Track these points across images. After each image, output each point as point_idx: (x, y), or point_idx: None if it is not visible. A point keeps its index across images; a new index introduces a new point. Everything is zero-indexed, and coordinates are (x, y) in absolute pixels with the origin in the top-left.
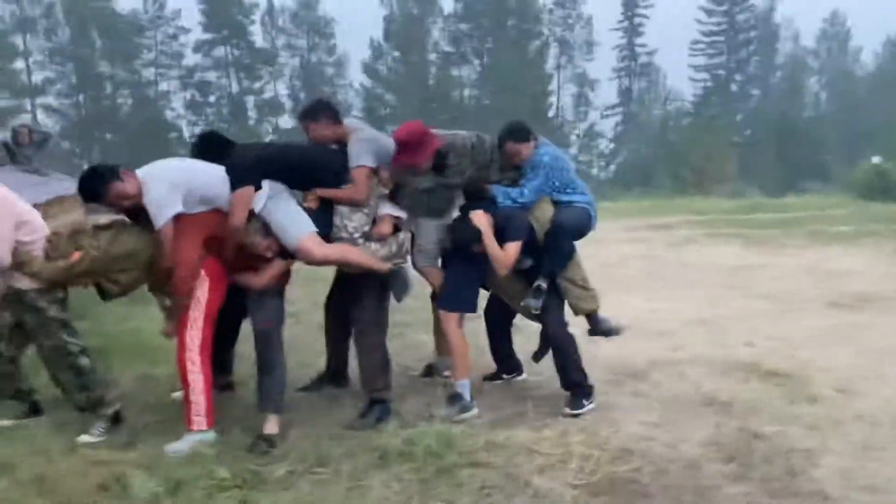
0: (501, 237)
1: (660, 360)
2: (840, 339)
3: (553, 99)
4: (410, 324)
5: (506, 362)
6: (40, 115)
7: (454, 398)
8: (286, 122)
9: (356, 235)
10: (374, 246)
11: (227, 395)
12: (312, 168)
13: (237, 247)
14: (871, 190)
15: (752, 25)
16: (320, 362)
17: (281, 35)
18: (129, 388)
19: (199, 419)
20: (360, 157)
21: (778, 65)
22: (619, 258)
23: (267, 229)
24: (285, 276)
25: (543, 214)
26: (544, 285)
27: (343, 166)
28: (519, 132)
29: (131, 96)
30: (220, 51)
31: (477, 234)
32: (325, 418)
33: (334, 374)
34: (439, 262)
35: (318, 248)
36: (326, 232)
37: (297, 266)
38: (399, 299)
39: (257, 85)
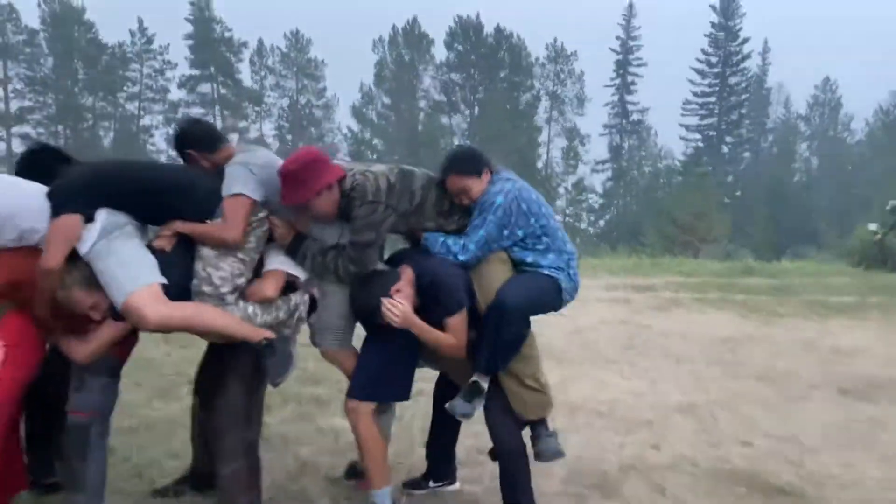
0: (434, 307)
1: (636, 463)
2: (858, 439)
3: (542, 151)
4: (326, 402)
5: (438, 465)
6: (16, 144)
7: None
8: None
9: (224, 290)
10: (250, 308)
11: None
12: (172, 193)
13: (52, 302)
14: (868, 258)
15: (744, 88)
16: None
17: (270, 75)
18: None
19: None
20: (237, 183)
21: (769, 129)
22: (596, 322)
23: (94, 280)
24: (125, 346)
25: (489, 280)
26: (483, 384)
27: (216, 194)
28: (464, 162)
29: (112, 129)
30: (206, 87)
31: (376, 298)
32: None
33: (199, 474)
34: (350, 340)
35: (155, 307)
36: (186, 283)
37: None
38: (275, 382)
39: (243, 124)
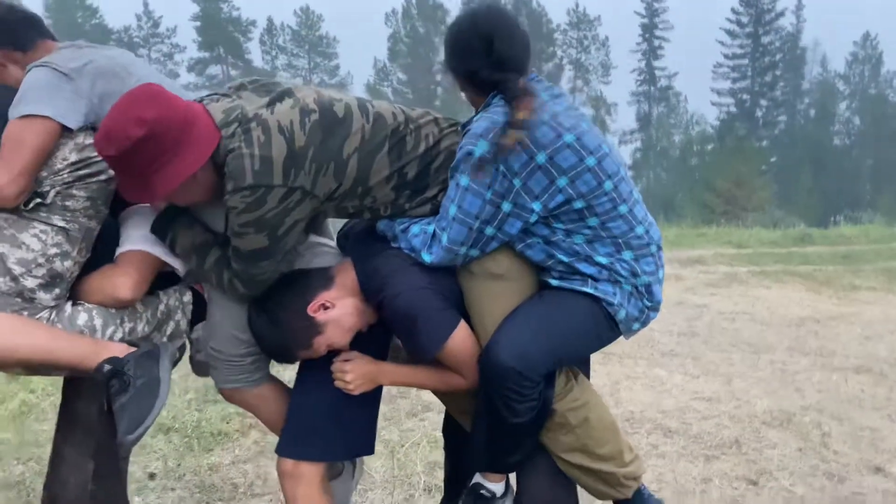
0: (399, 329)
1: None
2: None
3: None
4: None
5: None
6: None
7: None
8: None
9: (28, 282)
10: (83, 317)
11: None
12: None
13: None
14: None
15: (778, 48)
16: None
17: (281, 54)
18: None
19: None
20: (32, 96)
21: (805, 90)
22: None
23: None
24: None
25: (486, 305)
26: (490, 488)
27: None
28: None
29: None
30: (215, 69)
31: (301, 332)
32: None
33: None
34: (265, 370)
35: None
36: None
37: None
38: (127, 440)
39: None
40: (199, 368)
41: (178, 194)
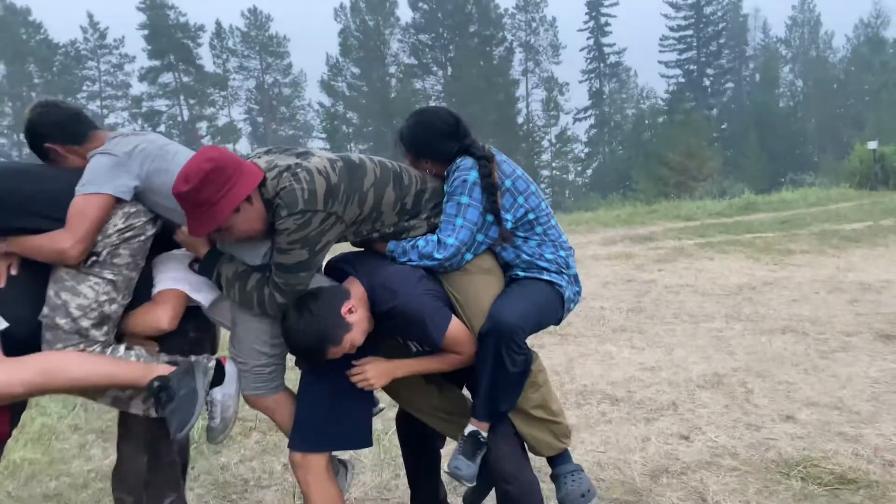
0: (402, 328)
1: (667, 463)
2: None
3: (522, 105)
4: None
5: (423, 497)
6: None
7: None
8: (245, 146)
9: (85, 322)
10: (122, 351)
11: None
12: (9, 202)
13: None
14: (869, 178)
15: (721, 17)
16: None
17: (232, 57)
18: None
19: None
20: (93, 177)
21: (749, 56)
22: (597, 285)
23: None
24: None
25: (475, 298)
26: (483, 434)
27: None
28: (406, 139)
29: None
30: (167, 77)
31: (330, 332)
32: None
33: None
34: (281, 380)
35: None
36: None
37: None
38: (176, 436)
39: (210, 111)
40: (213, 436)
41: (237, 221)
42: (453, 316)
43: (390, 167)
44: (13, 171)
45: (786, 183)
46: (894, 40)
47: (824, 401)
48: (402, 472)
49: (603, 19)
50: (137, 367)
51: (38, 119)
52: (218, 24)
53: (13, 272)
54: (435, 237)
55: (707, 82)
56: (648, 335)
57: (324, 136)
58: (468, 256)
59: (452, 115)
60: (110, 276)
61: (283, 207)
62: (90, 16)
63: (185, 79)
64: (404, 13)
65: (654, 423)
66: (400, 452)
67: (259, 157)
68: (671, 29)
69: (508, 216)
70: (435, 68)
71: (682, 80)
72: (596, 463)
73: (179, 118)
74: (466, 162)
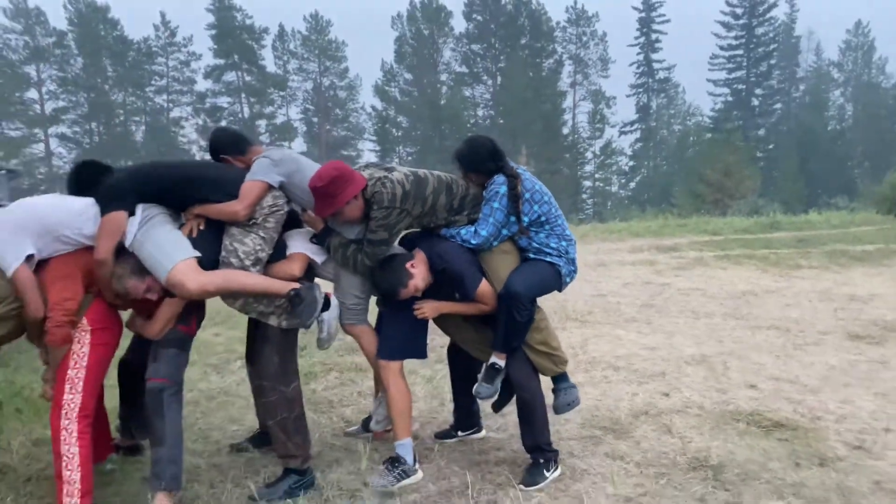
0: (457, 290)
1: (647, 409)
2: (859, 378)
3: (568, 116)
4: (366, 368)
5: (464, 417)
6: (54, 144)
7: (393, 462)
8: (299, 145)
9: (247, 262)
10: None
11: (134, 461)
12: (201, 186)
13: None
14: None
15: (773, 38)
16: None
17: (292, 59)
18: (19, 453)
19: (71, 501)
20: (256, 172)
21: (800, 78)
22: (619, 285)
23: (142, 266)
24: (192, 317)
25: (498, 270)
26: (500, 363)
27: (239, 184)
28: (463, 155)
29: (144, 123)
30: (231, 76)
31: (403, 280)
32: (238, 488)
33: (262, 433)
34: (366, 317)
35: (193, 277)
36: (216, 258)
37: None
38: (306, 324)
39: (269, 109)
40: (321, 344)
41: (347, 209)
42: (483, 278)
43: (444, 179)
44: (209, 165)
45: (818, 205)
46: None
47: (784, 377)
48: (446, 401)
49: (654, 35)
50: (280, 283)
51: (217, 139)
52: (281, 27)
53: (201, 227)
54: (473, 228)
55: (755, 102)
56: (654, 325)
57: (374, 138)
58: (495, 243)
59: (493, 142)
60: (263, 234)
61: (375, 204)
62: (162, 14)
63: (248, 78)
64: (458, 23)
65: (644, 385)
66: (442, 390)
67: (363, 170)
68: (721, 48)
69: (525, 218)
70: (485, 77)
71: (731, 98)
72: (594, 406)
73: (240, 115)
74: (500, 178)
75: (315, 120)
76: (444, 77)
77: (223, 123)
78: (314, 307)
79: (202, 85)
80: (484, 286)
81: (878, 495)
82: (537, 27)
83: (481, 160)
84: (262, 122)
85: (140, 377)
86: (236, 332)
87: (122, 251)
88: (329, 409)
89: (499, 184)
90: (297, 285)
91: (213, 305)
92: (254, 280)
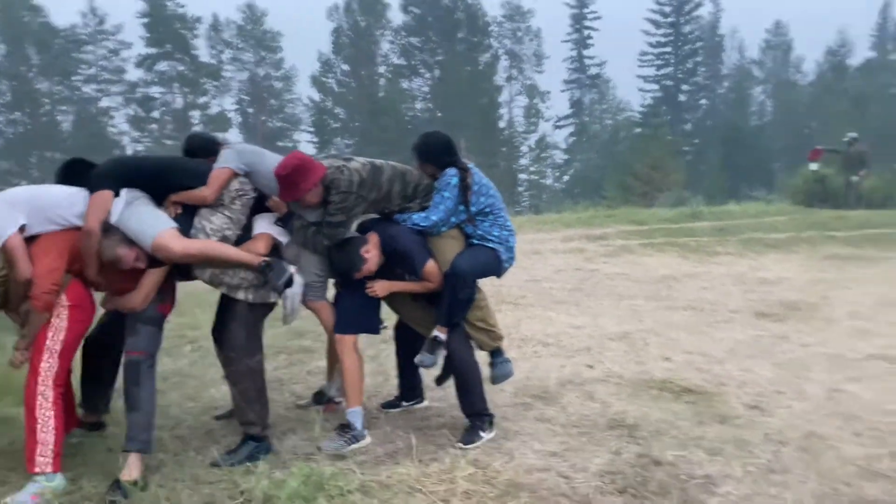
0: (404, 268)
1: (573, 379)
2: (760, 351)
3: (504, 111)
4: (312, 350)
5: (408, 389)
6: None
7: (344, 428)
8: (234, 136)
9: (213, 238)
10: None
11: (97, 435)
12: (176, 175)
13: (102, 265)
14: (812, 196)
15: (698, 37)
16: (208, 395)
17: (227, 49)
18: None
19: (45, 461)
20: (222, 160)
21: (724, 75)
22: (551, 271)
23: (129, 240)
24: (167, 300)
25: (445, 252)
26: (441, 336)
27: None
28: (419, 149)
29: (72, 113)
30: (163, 65)
31: (357, 262)
32: (200, 456)
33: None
34: (325, 294)
35: (177, 242)
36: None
37: (203, 287)
38: (278, 289)
39: (203, 100)
40: (286, 319)
41: (309, 195)
42: (430, 257)
43: (399, 169)
44: (184, 158)
45: (741, 198)
46: (855, 69)
47: (696, 350)
48: (391, 377)
49: (586, 32)
50: (252, 255)
51: (191, 144)
52: (215, 16)
53: (179, 212)
54: (424, 214)
55: (683, 98)
56: (582, 307)
57: (312, 129)
58: (444, 228)
59: (448, 138)
60: (229, 215)
61: (333, 189)
62: (90, 1)
63: (181, 68)
64: (396, 16)
65: (570, 359)
66: (386, 367)
67: (324, 160)
68: (651, 45)
69: (473, 208)
70: (423, 70)
71: (659, 94)
72: (525, 378)
73: (173, 105)
74: (452, 171)
75: (251, 111)
76: (381, 69)
77: (156, 114)
78: (283, 272)
79: (133, 74)
80: (430, 265)
81: (766, 444)
82: (474, 22)
83: (437, 153)
84: (195, 113)
85: (105, 356)
86: (185, 318)
87: (107, 228)
88: (280, 386)
89: (451, 175)
90: (267, 258)
91: None
92: (229, 250)
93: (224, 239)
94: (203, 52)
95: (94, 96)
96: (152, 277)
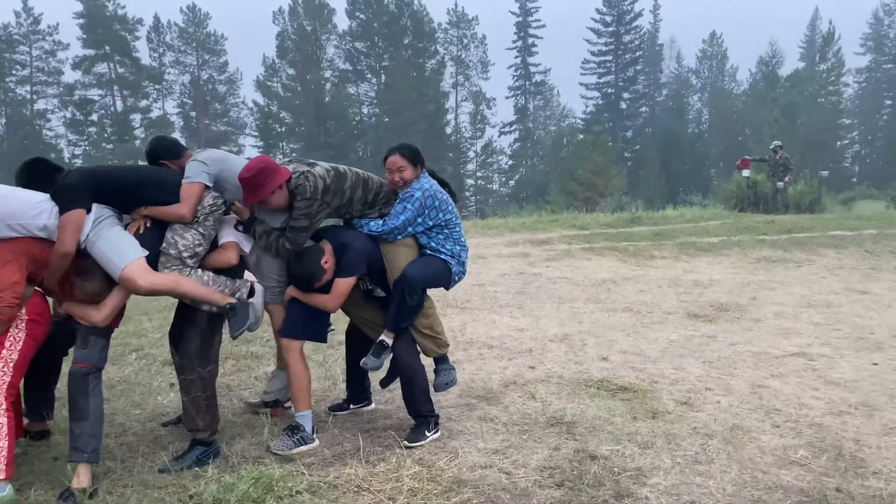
0: (337, 267)
1: (515, 380)
2: (692, 350)
3: (451, 116)
4: (260, 356)
5: (356, 392)
6: None
7: (293, 430)
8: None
9: (185, 255)
10: (206, 276)
11: (41, 444)
12: (149, 189)
13: (64, 278)
14: (744, 202)
15: (638, 45)
16: (155, 402)
17: (168, 52)
18: None
19: None
20: (192, 174)
21: (663, 83)
22: (495, 275)
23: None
24: (117, 317)
25: (398, 259)
26: (388, 341)
27: (178, 185)
28: (412, 151)
29: (4, 115)
30: (102, 67)
31: (317, 273)
32: (148, 462)
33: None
34: (281, 297)
35: (145, 276)
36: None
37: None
38: (234, 335)
39: (144, 103)
40: (250, 327)
41: (272, 198)
42: (354, 279)
43: (361, 175)
44: (148, 169)
45: (678, 203)
46: (785, 79)
47: (631, 350)
48: (338, 381)
49: (530, 40)
50: (220, 296)
51: (156, 146)
52: (156, 17)
53: (147, 225)
54: (381, 220)
55: (623, 105)
56: (525, 310)
57: (256, 133)
58: (399, 237)
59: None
60: (202, 231)
61: (298, 195)
62: (24, 0)
63: (121, 70)
64: (341, 21)
65: (513, 360)
66: (333, 372)
67: (288, 164)
68: (592, 53)
69: (430, 222)
70: (369, 75)
71: (601, 101)
72: (469, 379)
73: (112, 108)
74: (423, 184)
75: (193, 114)
76: (328, 74)
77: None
78: (244, 321)
79: (70, 76)
80: (348, 283)
81: (694, 437)
82: (419, 28)
83: (419, 154)
84: (136, 116)
85: (49, 363)
86: (130, 326)
87: (85, 264)
88: (228, 392)
89: (416, 188)
90: (233, 300)
91: None
92: (197, 289)
93: (194, 255)
94: (144, 54)
95: (29, 98)
96: (118, 297)
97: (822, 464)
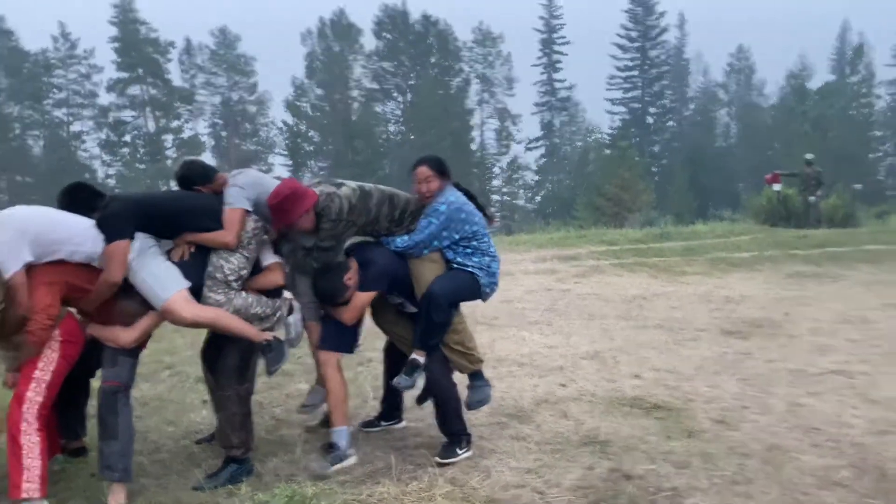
0: (361, 280)
1: (547, 398)
2: (726, 367)
3: (476, 133)
4: (291, 373)
5: (389, 409)
6: None
7: (330, 447)
8: (208, 160)
9: (231, 278)
10: (250, 298)
11: (78, 461)
12: (188, 214)
13: (104, 304)
14: (775, 216)
15: (665, 60)
16: (188, 419)
17: (199, 73)
18: None
19: (32, 487)
20: (233, 199)
21: (690, 97)
22: (523, 292)
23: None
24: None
25: (424, 275)
26: (419, 359)
27: (219, 211)
28: (439, 163)
29: (42, 137)
30: (135, 89)
31: (341, 289)
32: (182, 480)
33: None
34: (319, 315)
35: (187, 308)
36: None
37: None
38: (270, 372)
39: (175, 124)
40: (291, 343)
41: (300, 222)
42: (374, 294)
43: (387, 193)
44: (186, 196)
45: (708, 217)
46: (815, 92)
47: (664, 368)
48: (369, 399)
49: (555, 56)
50: (257, 332)
51: (188, 171)
52: (188, 40)
53: (191, 250)
54: (408, 237)
55: (650, 120)
56: (554, 326)
57: (286, 153)
58: (425, 251)
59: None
60: (247, 255)
61: (325, 217)
62: (62, 25)
63: (153, 91)
64: (368, 41)
65: (544, 378)
66: (364, 389)
67: (316, 186)
68: (618, 69)
69: (456, 235)
70: (395, 94)
71: (627, 116)
72: (500, 397)
73: (145, 129)
74: (448, 197)
75: (224, 134)
76: (355, 93)
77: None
78: (280, 359)
79: (105, 98)
80: (367, 298)
81: (731, 457)
82: (445, 47)
83: (445, 166)
84: (168, 137)
85: (78, 383)
86: (161, 344)
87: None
88: (260, 409)
89: (440, 202)
90: (270, 336)
91: None
92: (237, 324)
93: (239, 279)
94: (175, 76)
95: (65, 120)
96: (150, 321)
97: (864, 485)
